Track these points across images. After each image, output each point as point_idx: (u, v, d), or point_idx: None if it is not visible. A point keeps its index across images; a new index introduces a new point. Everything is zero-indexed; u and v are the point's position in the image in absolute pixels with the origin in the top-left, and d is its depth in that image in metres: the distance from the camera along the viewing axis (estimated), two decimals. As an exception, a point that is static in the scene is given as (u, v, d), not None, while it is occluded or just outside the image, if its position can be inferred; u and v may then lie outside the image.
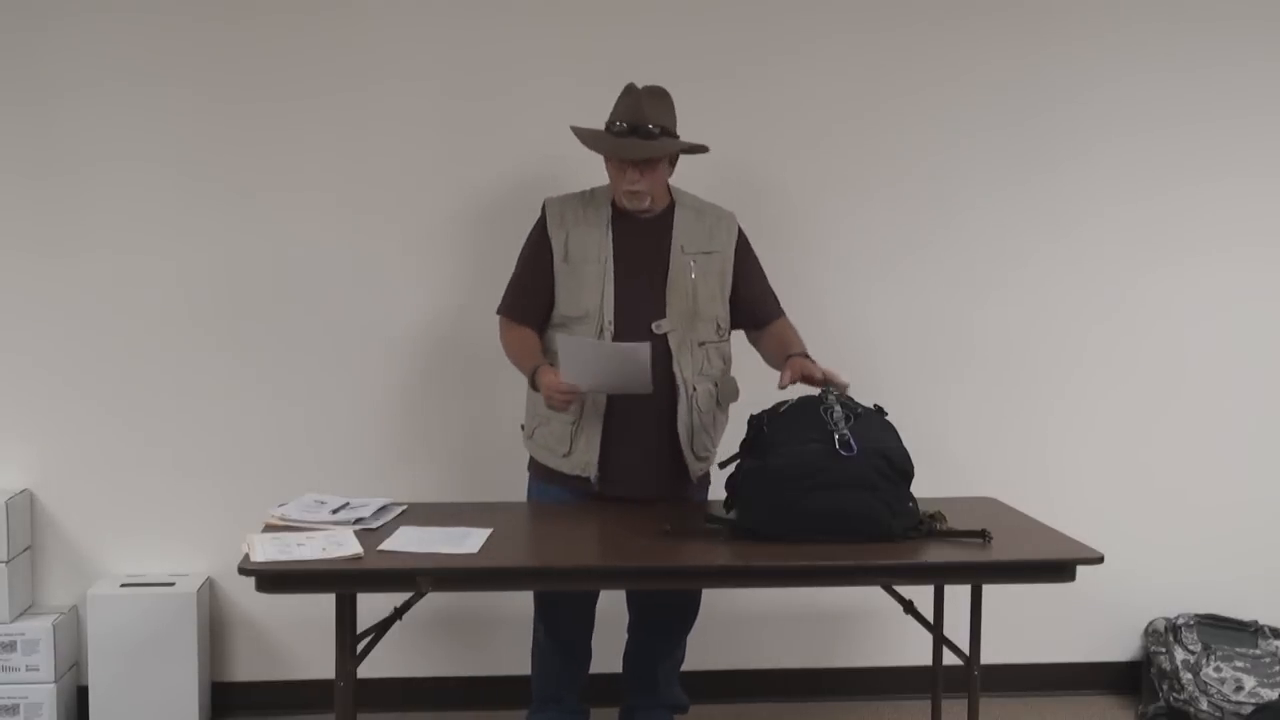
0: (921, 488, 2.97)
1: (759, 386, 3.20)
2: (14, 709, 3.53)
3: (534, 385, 3.15)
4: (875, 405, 3.02)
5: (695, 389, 3.19)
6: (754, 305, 3.31)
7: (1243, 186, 4.00)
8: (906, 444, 2.94)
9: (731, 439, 3.17)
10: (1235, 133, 3.98)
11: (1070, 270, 3.97)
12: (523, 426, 3.34)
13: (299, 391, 3.77)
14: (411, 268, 3.75)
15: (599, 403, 3.13)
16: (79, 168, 3.66)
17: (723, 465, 3.03)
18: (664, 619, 3.42)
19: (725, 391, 3.28)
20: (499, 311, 3.32)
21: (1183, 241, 3.99)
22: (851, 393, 3.02)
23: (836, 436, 2.84)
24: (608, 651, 3.49)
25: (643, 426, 3.15)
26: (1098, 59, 3.92)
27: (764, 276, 3.36)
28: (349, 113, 3.73)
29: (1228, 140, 3.98)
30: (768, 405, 3.04)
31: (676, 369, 3.16)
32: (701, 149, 3.21)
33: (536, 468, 3.31)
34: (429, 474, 3.59)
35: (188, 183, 3.70)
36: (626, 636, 3.49)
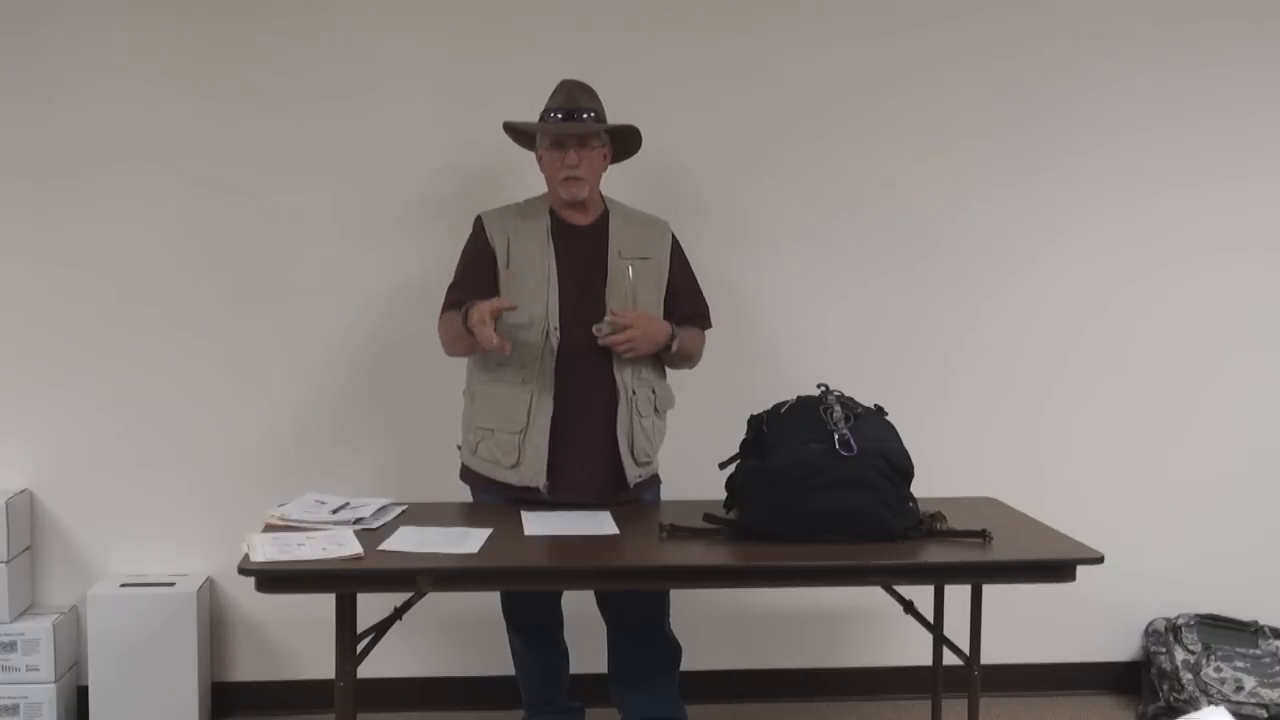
0: (921, 488, 2.97)
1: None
2: (14, 709, 3.53)
3: (467, 325, 3.00)
4: (875, 405, 3.02)
5: (635, 392, 3.18)
6: (685, 310, 3.28)
7: (1240, 187, 4.00)
8: (906, 444, 2.95)
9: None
10: (1233, 133, 3.98)
11: (1069, 269, 3.97)
12: (459, 447, 3.31)
13: (300, 392, 3.78)
14: (414, 269, 3.75)
15: (544, 410, 3.11)
16: (79, 169, 3.67)
17: (723, 465, 3.03)
18: (638, 609, 3.34)
19: (663, 397, 3.29)
20: (441, 313, 3.22)
21: (1182, 240, 3.99)
22: (851, 393, 3.02)
23: (836, 436, 2.84)
24: (603, 651, 3.48)
25: (587, 432, 3.14)
26: (1094, 59, 3.92)
27: (696, 284, 3.35)
28: (348, 116, 3.73)
29: (1225, 141, 3.98)
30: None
31: (616, 373, 3.15)
32: (631, 128, 3.21)
33: (476, 479, 3.27)
34: (430, 474, 3.58)
35: (188, 184, 3.70)
36: (607, 650, 3.42)
